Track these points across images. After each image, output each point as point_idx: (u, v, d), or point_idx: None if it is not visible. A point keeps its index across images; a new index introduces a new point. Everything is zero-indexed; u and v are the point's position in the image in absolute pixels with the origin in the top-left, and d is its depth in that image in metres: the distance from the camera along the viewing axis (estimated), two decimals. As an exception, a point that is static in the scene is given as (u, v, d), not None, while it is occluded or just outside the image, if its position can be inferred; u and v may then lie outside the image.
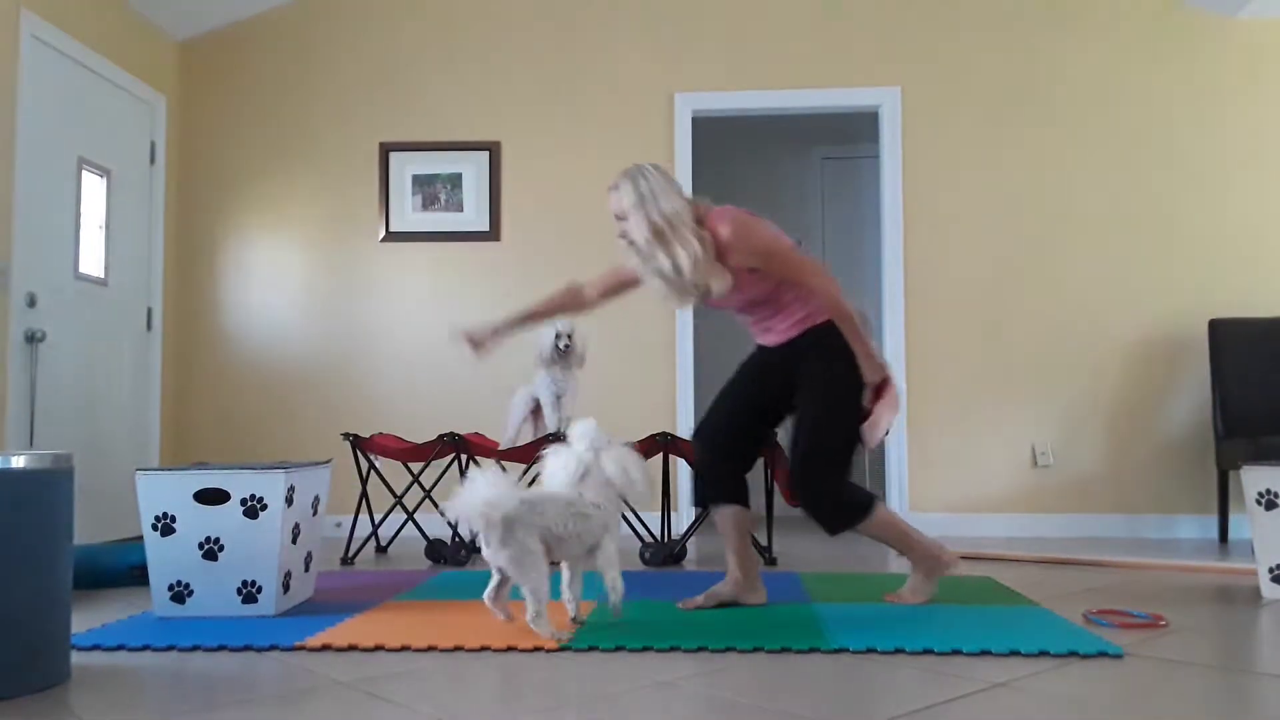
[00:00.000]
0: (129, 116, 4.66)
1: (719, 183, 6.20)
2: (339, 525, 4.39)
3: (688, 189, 4.87)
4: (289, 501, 2.68)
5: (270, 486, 2.64)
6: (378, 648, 2.28)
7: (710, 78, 4.96)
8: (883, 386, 2.74)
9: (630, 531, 4.07)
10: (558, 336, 3.77)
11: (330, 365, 4.94)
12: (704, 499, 2.85)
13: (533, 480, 4.04)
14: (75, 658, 2.20)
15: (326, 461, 3.07)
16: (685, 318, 4.85)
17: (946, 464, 4.77)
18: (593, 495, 2.48)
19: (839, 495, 2.69)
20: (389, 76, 5.04)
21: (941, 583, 3.16)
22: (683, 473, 4.69)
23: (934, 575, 2.82)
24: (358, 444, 3.98)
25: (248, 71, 5.10)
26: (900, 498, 4.77)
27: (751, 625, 2.50)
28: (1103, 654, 2.18)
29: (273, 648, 2.29)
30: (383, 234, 4.98)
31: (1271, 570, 2.94)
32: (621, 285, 2.96)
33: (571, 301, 3.04)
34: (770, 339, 2.84)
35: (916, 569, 2.82)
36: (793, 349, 2.77)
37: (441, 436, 3.89)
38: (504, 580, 2.45)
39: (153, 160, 4.84)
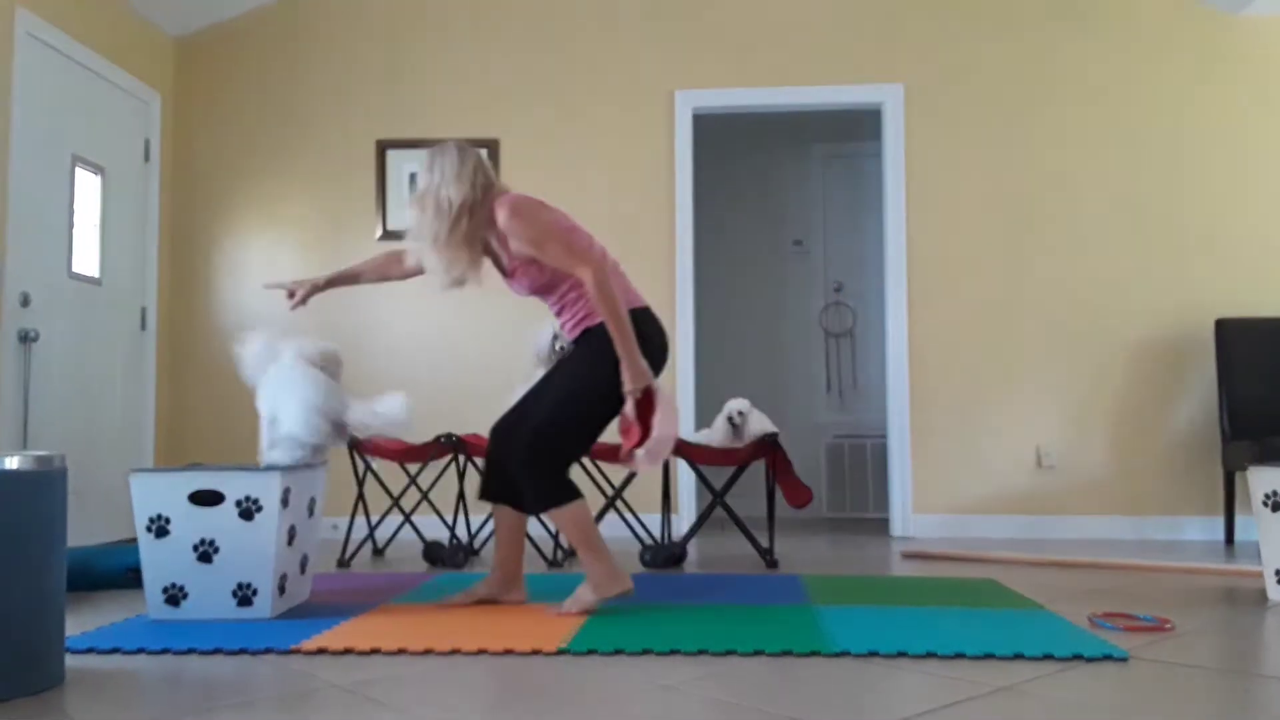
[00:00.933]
0: (123, 113, 4.64)
1: (720, 181, 6.20)
2: (335, 527, 4.37)
3: (689, 187, 4.89)
4: (285, 503, 2.65)
5: (266, 488, 2.61)
6: (374, 651, 2.26)
7: (711, 75, 4.93)
8: (648, 401, 2.67)
9: (630, 533, 4.06)
10: (555, 337, 3.74)
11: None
12: (483, 495, 2.88)
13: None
14: (69, 661, 2.18)
15: (323, 463, 3.05)
16: (686, 318, 4.83)
17: (950, 465, 4.74)
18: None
19: (555, 475, 2.68)
20: (385, 73, 5.02)
21: (943, 585, 3.14)
22: (683, 474, 4.67)
23: (602, 593, 2.69)
24: (354, 445, 3.95)
25: (243, 68, 5.08)
26: (903, 499, 4.75)
27: (752, 628, 2.48)
28: (1108, 657, 2.16)
29: (268, 651, 2.27)
30: (379, 232, 4.96)
31: (1278, 572, 2.92)
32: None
33: (391, 266, 3.11)
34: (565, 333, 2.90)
35: (589, 580, 2.71)
36: (575, 345, 2.82)
37: (439, 437, 3.87)
38: None
39: (147, 158, 4.82)
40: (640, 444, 2.66)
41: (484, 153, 2.88)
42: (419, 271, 2.98)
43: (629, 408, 2.66)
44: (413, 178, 4.96)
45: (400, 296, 4.95)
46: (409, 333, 4.92)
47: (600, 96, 4.95)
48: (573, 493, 2.68)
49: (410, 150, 4.97)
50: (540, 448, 2.67)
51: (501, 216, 2.69)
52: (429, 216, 2.72)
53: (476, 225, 2.73)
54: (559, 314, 2.86)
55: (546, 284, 2.79)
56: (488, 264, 2.86)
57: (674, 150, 4.90)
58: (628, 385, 2.64)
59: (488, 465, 2.89)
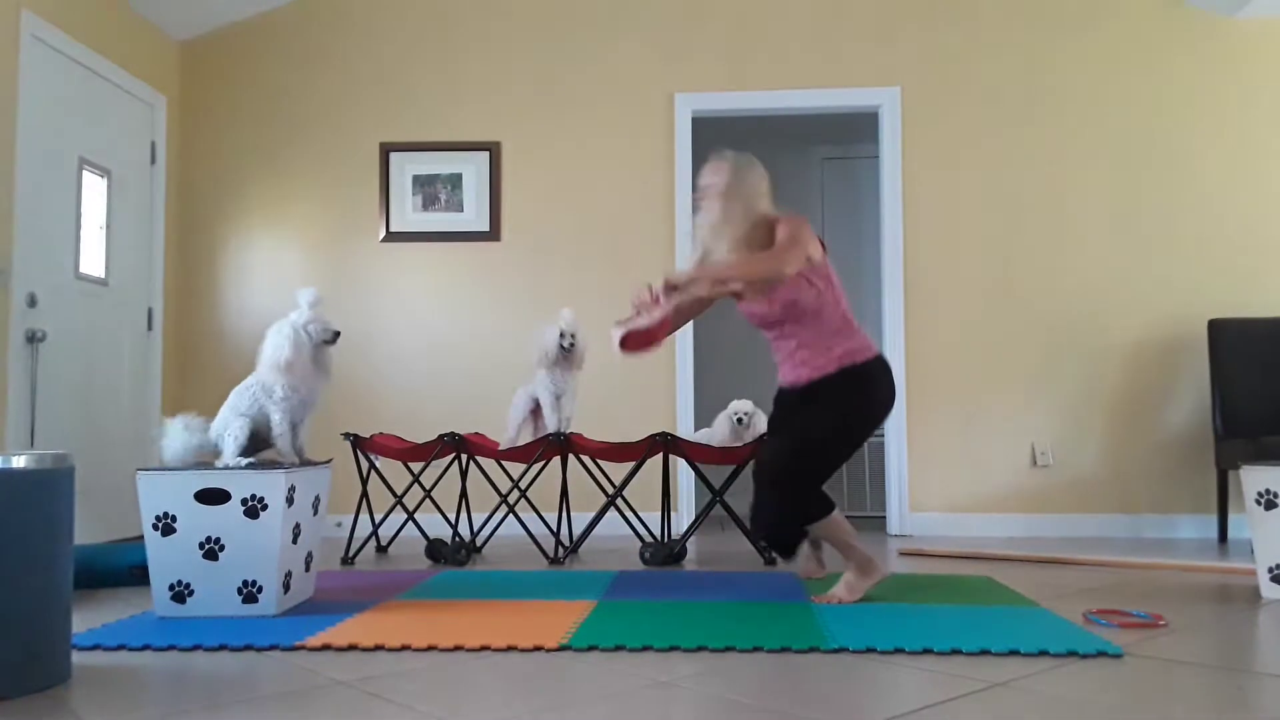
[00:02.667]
0: (129, 117, 4.66)
1: (719, 183, 6.22)
2: (339, 525, 4.39)
3: (688, 190, 4.91)
4: (289, 501, 2.68)
5: (271, 486, 2.64)
6: (378, 647, 2.29)
7: (710, 78, 4.96)
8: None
9: (630, 531, 4.09)
10: (561, 336, 3.77)
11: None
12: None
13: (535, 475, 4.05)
14: (76, 657, 2.20)
15: (327, 461, 3.08)
16: (685, 318, 4.85)
17: (946, 463, 4.77)
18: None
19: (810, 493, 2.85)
20: (389, 77, 5.05)
21: (940, 582, 3.17)
22: (683, 473, 4.70)
23: (869, 578, 2.86)
24: (358, 444, 3.98)
25: (248, 72, 5.10)
26: (900, 497, 4.77)
27: (751, 625, 2.50)
28: (1102, 654, 2.18)
29: (273, 647, 2.29)
30: (383, 234, 4.99)
31: (1271, 570, 2.95)
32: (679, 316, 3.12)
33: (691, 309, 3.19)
34: (795, 374, 2.97)
35: (854, 571, 2.87)
36: (816, 386, 2.91)
37: (441, 436, 3.89)
38: None
39: (153, 160, 4.85)
40: (633, 344, 2.91)
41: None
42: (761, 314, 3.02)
43: (664, 296, 2.79)
44: (416, 180, 4.99)
45: (402, 298, 4.98)
46: (413, 336, 4.95)
47: (601, 100, 4.98)
48: (828, 506, 2.83)
49: (413, 153, 5.00)
50: (793, 475, 2.81)
51: (783, 230, 2.86)
52: (736, 219, 2.90)
53: (758, 242, 2.90)
54: (801, 351, 2.92)
55: (807, 306, 2.87)
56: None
57: (673, 152, 4.93)
58: (692, 274, 2.82)
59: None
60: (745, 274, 2.86)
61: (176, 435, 2.92)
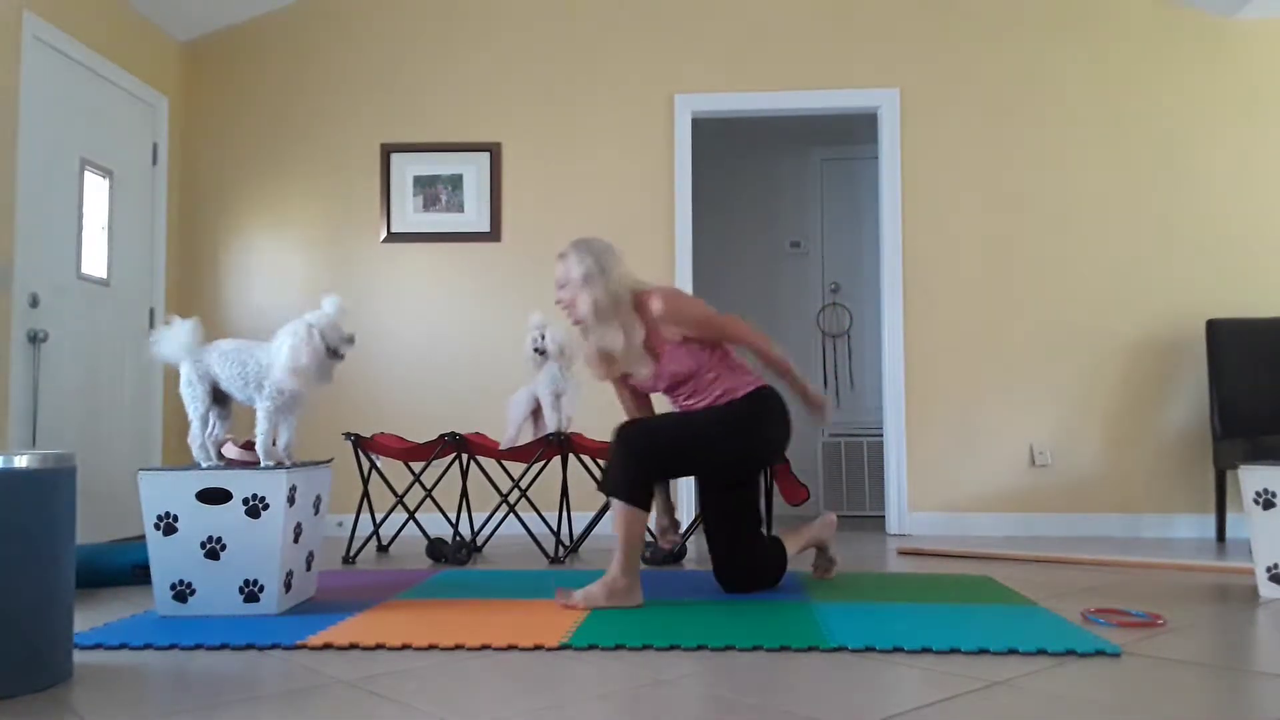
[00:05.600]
0: (131, 117, 4.67)
1: (719, 183, 6.24)
2: (340, 524, 4.40)
3: (688, 190, 4.92)
4: (291, 501, 2.69)
5: (272, 486, 2.65)
6: (379, 646, 2.29)
7: (710, 79, 4.97)
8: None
9: (630, 531, 4.09)
10: (533, 339, 3.78)
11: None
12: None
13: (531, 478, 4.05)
14: (77, 656, 2.21)
15: (328, 461, 3.08)
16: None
17: (945, 463, 4.78)
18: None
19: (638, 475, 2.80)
20: (390, 78, 5.06)
21: (939, 582, 3.18)
22: (683, 473, 4.70)
23: (614, 601, 2.76)
24: (359, 443, 3.99)
25: (250, 73, 5.11)
26: (899, 496, 4.78)
27: (751, 624, 2.51)
28: (1100, 653, 2.19)
29: (275, 646, 2.30)
30: (384, 235, 5.00)
31: (1269, 569, 2.95)
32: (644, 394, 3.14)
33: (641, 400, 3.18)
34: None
35: (606, 582, 2.78)
36: None
37: (442, 436, 3.90)
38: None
39: (155, 161, 4.85)
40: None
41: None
42: (648, 388, 3.04)
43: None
44: (417, 180, 5.00)
45: (403, 299, 4.98)
46: (414, 336, 4.95)
47: (601, 101, 4.99)
48: (644, 501, 2.78)
49: (414, 154, 5.01)
50: (656, 454, 2.77)
51: (656, 305, 2.83)
52: (615, 318, 2.83)
53: (629, 324, 2.86)
54: (690, 396, 2.96)
55: (687, 372, 2.90)
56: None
57: (673, 153, 4.93)
58: (818, 409, 2.99)
59: None
60: (793, 370, 3.01)
61: (177, 332, 2.84)
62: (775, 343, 3.01)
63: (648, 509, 2.80)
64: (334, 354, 2.85)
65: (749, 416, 2.89)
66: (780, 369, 2.99)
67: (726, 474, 2.98)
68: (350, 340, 2.88)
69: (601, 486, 2.83)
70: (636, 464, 2.75)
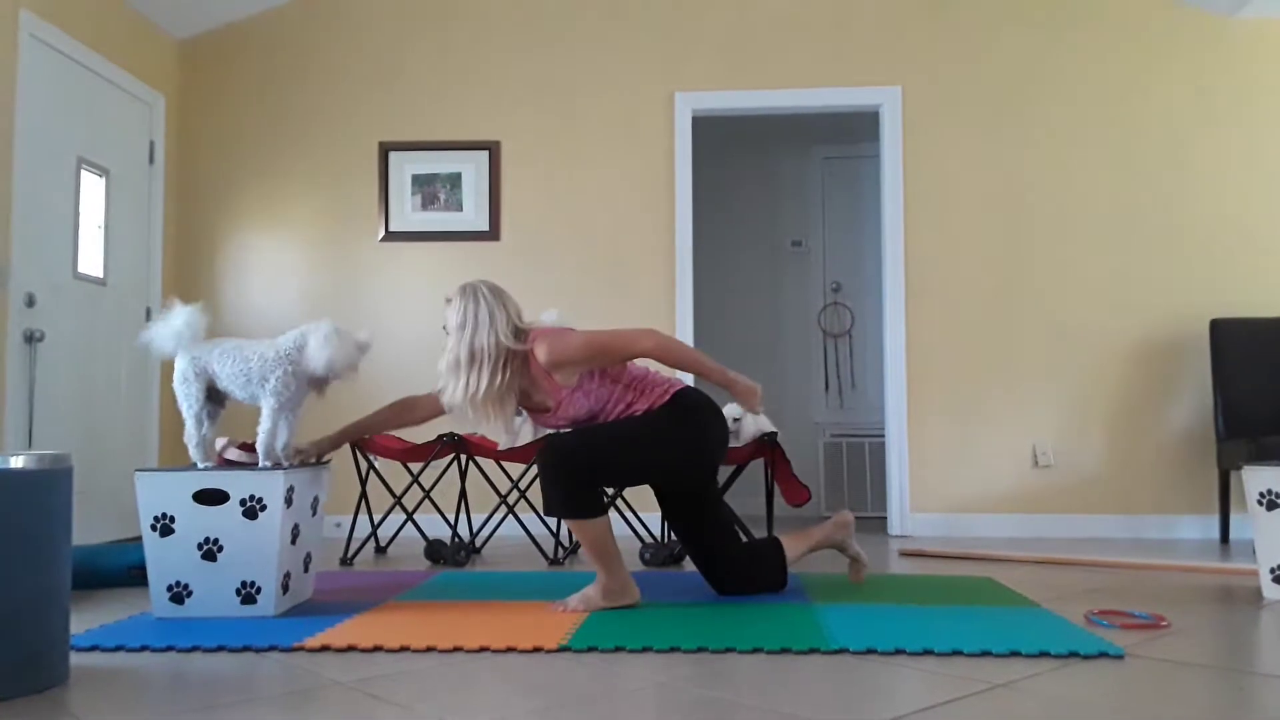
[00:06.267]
0: (128, 116, 4.66)
1: (719, 182, 6.23)
2: (338, 526, 4.38)
3: (688, 189, 4.91)
4: (288, 502, 2.67)
5: (269, 487, 2.63)
6: (377, 648, 2.28)
7: (710, 77, 4.95)
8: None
9: (630, 532, 4.08)
10: None
11: (330, 365, 4.92)
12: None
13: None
14: (74, 658, 2.19)
15: (326, 462, 3.07)
16: (686, 318, 4.85)
17: (947, 464, 4.76)
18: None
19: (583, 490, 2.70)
20: (388, 76, 5.04)
21: (941, 583, 3.16)
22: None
23: (611, 601, 2.73)
24: (357, 444, 3.97)
25: (247, 71, 5.10)
26: (901, 497, 4.77)
27: (751, 626, 2.50)
28: (1104, 655, 2.18)
29: (272, 648, 2.29)
30: (382, 234, 4.98)
31: (1273, 571, 2.94)
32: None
33: (404, 414, 3.08)
34: None
35: (599, 585, 2.75)
36: None
37: (441, 437, 3.89)
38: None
39: (152, 160, 4.84)
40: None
41: (505, 291, 2.82)
42: (437, 414, 2.98)
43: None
44: (415, 179, 4.99)
45: (401, 298, 4.97)
46: (412, 336, 4.94)
47: (600, 98, 4.98)
48: (590, 508, 2.69)
49: (412, 152, 5.00)
50: (576, 465, 2.67)
51: (544, 350, 2.67)
52: (465, 370, 2.68)
53: (513, 375, 2.71)
54: None
55: (596, 409, 2.78)
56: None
57: (674, 152, 4.92)
58: (749, 399, 2.72)
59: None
60: (706, 360, 2.76)
61: (172, 321, 2.80)
62: (679, 343, 2.82)
63: (600, 512, 2.69)
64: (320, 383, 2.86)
65: (671, 423, 2.75)
66: (694, 368, 2.76)
67: (664, 481, 2.87)
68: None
69: (545, 510, 2.72)
70: (567, 479, 2.65)
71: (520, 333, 2.76)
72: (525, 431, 3.93)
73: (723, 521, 2.95)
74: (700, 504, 2.93)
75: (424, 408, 3.05)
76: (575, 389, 2.74)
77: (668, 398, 2.79)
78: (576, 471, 2.66)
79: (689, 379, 4.77)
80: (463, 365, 2.69)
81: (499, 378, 2.68)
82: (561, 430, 2.86)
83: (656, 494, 3.02)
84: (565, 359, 2.68)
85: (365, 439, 3.96)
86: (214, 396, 2.83)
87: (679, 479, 2.89)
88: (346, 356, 2.78)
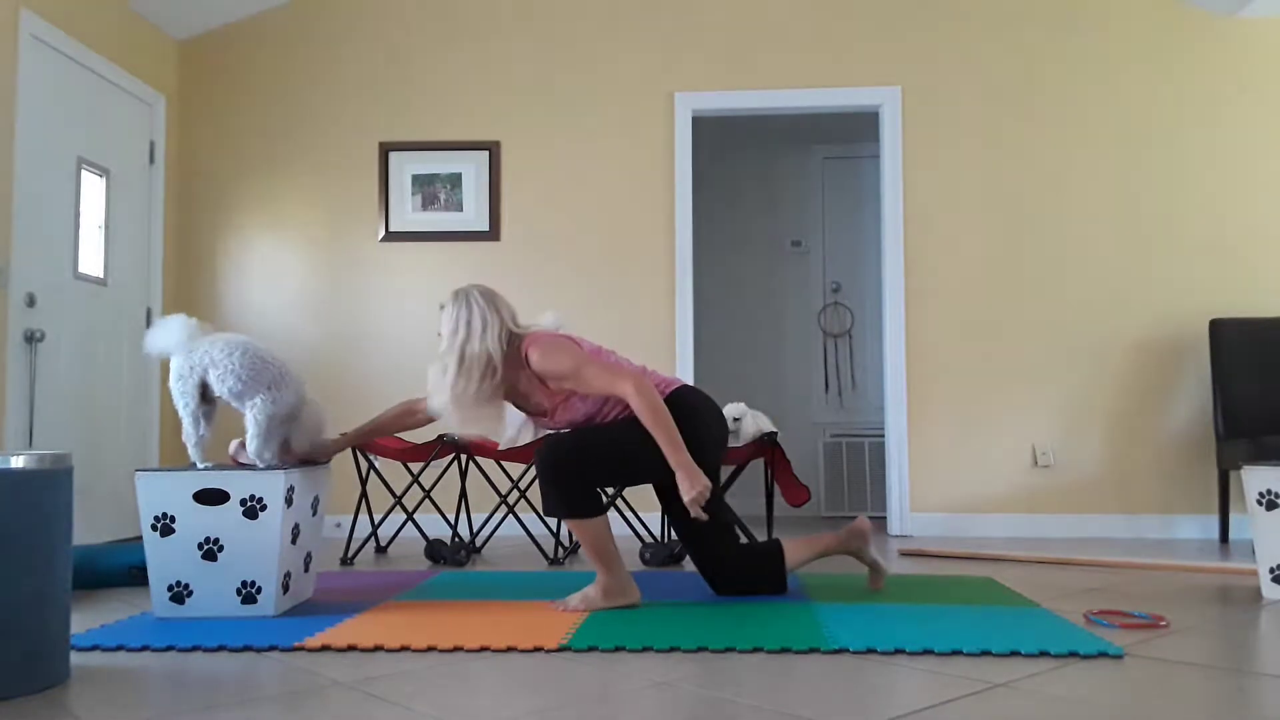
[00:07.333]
0: (128, 116, 4.66)
1: (719, 182, 6.23)
2: (339, 525, 4.39)
3: (688, 189, 4.91)
4: (289, 502, 2.68)
5: (270, 487, 2.64)
6: (377, 648, 2.28)
7: (710, 77, 4.95)
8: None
9: (630, 532, 4.08)
10: None
11: (330, 365, 4.93)
12: None
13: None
14: (74, 658, 2.20)
15: (326, 462, 3.07)
16: (686, 318, 4.85)
17: (947, 464, 4.76)
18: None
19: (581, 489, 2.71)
20: (388, 76, 5.04)
21: (941, 583, 3.16)
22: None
23: (610, 601, 2.75)
24: (357, 444, 3.97)
25: (247, 71, 5.10)
26: (900, 497, 4.77)
27: (751, 626, 2.50)
28: (1103, 654, 2.18)
29: (272, 648, 2.29)
30: (382, 234, 4.98)
31: (1272, 570, 2.94)
32: None
33: (406, 418, 3.07)
34: None
35: (599, 585, 2.76)
36: None
37: (441, 437, 3.89)
38: None
39: (152, 160, 4.84)
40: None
41: (500, 295, 2.83)
42: (429, 421, 2.99)
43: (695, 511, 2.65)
44: (415, 179, 4.99)
45: (401, 298, 4.97)
46: (412, 336, 4.94)
47: (600, 99, 4.98)
48: (590, 508, 2.71)
49: (412, 152, 5.00)
50: (574, 466, 2.68)
51: (536, 358, 2.69)
52: (453, 374, 2.69)
53: (501, 380, 2.73)
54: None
55: (589, 414, 2.79)
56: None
57: (673, 152, 4.92)
58: (686, 494, 2.59)
59: None
60: (671, 434, 2.63)
61: (172, 326, 2.79)
62: (658, 405, 2.65)
63: (599, 512, 2.71)
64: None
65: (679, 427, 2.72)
66: (659, 434, 2.62)
67: (663, 481, 2.83)
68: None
69: (544, 510, 2.73)
70: (566, 480, 2.67)
71: (515, 337, 2.76)
72: (526, 432, 3.94)
73: (723, 522, 2.95)
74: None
75: (424, 411, 3.04)
76: (570, 394, 2.74)
77: (669, 396, 2.78)
78: (574, 472, 2.67)
79: (688, 378, 4.78)
80: (450, 371, 2.69)
81: (487, 382, 2.69)
82: (560, 431, 2.87)
83: (658, 492, 3.02)
84: (552, 373, 2.70)
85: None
86: (209, 397, 2.82)
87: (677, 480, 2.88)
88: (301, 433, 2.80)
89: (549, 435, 2.83)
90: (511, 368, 2.75)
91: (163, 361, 4.81)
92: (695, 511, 2.61)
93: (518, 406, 2.89)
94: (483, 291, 2.78)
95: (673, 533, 4.24)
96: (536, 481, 4.12)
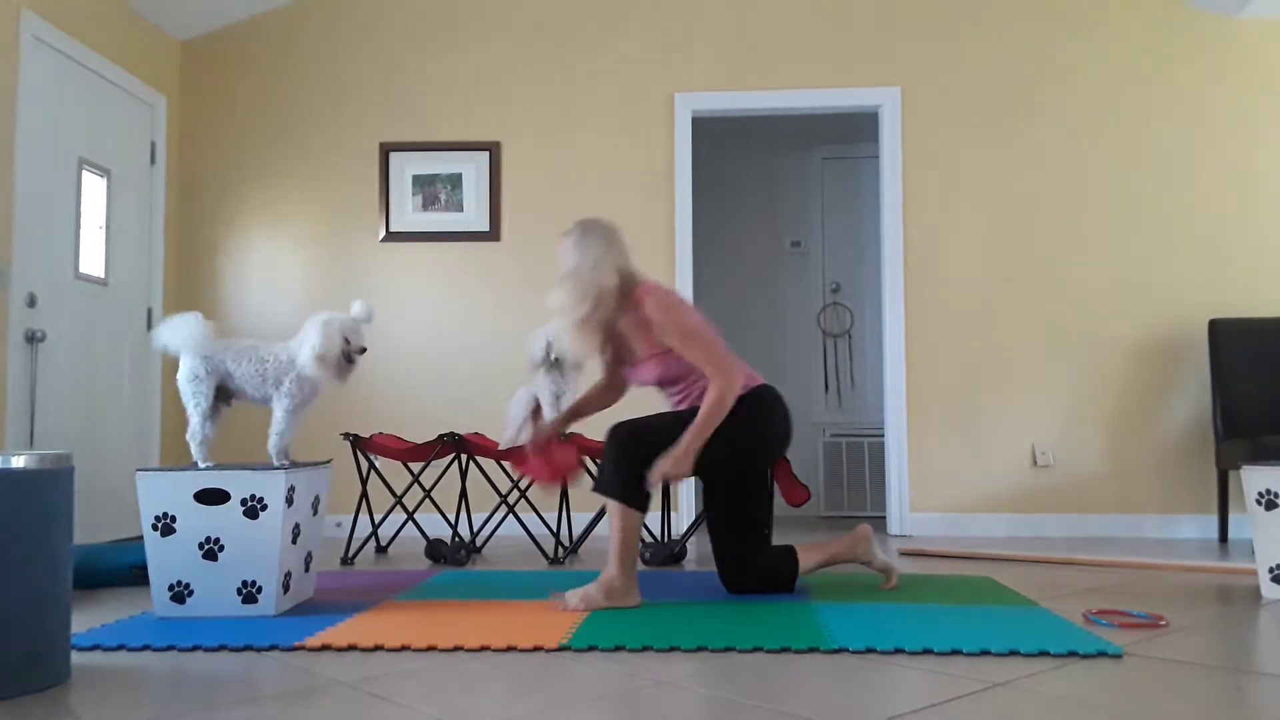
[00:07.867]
0: (129, 117, 4.66)
1: (719, 182, 6.23)
2: (339, 525, 4.39)
3: (688, 190, 4.92)
4: (289, 501, 2.68)
5: (270, 486, 2.64)
6: (377, 647, 2.29)
7: (710, 78, 4.96)
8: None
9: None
10: (549, 345, 3.76)
11: (330, 365, 4.93)
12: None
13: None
14: (75, 658, 2.20)
15: (326, 461, 3.07)
16: (685, 318, 4.85)
17: (946, 464, 4.77)
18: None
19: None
20: (389, 77, 5.05)
21: (940, 583, 3.17)
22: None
23: (612, 601, 2.76)
24: (358, 444, 3.98)
25: (248, 72, 5.10)
26: (900, 497, 4.77)
27: (751, 625, 2.50)
28: (1102, 654, 2.18)
29: (273, 648, 2.29)
30: (383, 234, 4.99)
31: (1271, 570, 2.95)
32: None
33: (608, 396, 3.20)
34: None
35: (603, 583, 2.77)
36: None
37: (441, 436, 3.89)
38: None
39: (153, 160, 4.85)
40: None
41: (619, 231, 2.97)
42: (624, 391, 3.14)
43: (656, 477, 2.74)
44: (415, 180, 5.00)
45: (401, 298, 4.98)
46: (413, 336, 4.95)
47: (600, 99, 4.98)
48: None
49: (413, 153, 5.01)
50: (644, 452, 2.76)
51: (652, 306, 2.80)
52: (576, 296, 2.80)
53: (613, 311, 2.85)
54: (681, 401, 2.95)
55: (676, 375, 2.89)
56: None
57: (673, 152, 4.93)
58: (666, 466, 2.71)
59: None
60: (707, 429, 2.76)
61: (186, 323, 2.81)
62: (723, 410, 2.77)
63: (644, 509, 2.79)
64: (346, 357, 2.83)
65: (747, 419, 2.85)
66: (700, 422, 2.75)
67: (725, 475, 2.94)
68: (361, 351, 2.87)
69: (596, 487, 2.82)
70: (629, 464, 2.74)
71: (629, 278, 2.87)
72: (526, 431, 3.94)
73: (761, 524, 2.98)
74: (744, 497, 2.95)
75: (620, 388, 3.18)
76: (668, 352, 2.83)
77: (747, 390, 2.87)
78: (643, 458, 2.74)
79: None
80: (581, 297, 2.80)
81: (602, 312, 2.82)
82: (645, 385, 2.99)
83: (701, 480, 3.05)
84: (667, 327, 2.80)
85: (365, 440, 3.97)
86: (222, 395, 2.84)
87: (733, 470, 2.94)
88: (332, 356, 2.80)
89: (626, 420, 2.88)
90: (619, 307, 2.85)
91: (165, 358, 4.83)
92: (654, 477, 2.73)
93: (614, 345, 2.98)
94: (604, 228, 2.90)
95: (672, 533, 4.25)
96: (537, 481, 4.13)
